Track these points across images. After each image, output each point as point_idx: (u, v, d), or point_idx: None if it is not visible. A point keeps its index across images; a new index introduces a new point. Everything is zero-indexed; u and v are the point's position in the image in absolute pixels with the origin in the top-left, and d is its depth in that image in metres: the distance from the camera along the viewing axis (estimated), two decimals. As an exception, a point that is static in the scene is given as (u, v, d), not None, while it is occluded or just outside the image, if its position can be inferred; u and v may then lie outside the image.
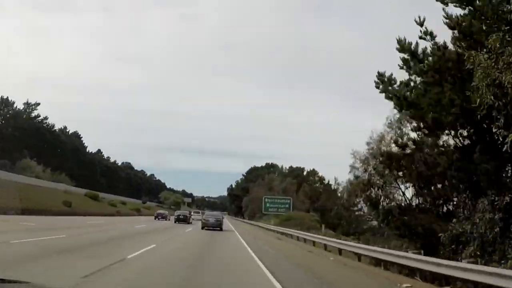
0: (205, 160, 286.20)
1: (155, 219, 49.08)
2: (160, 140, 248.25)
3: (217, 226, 30.23)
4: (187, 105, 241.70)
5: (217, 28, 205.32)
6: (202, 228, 30.14)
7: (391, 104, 21.01)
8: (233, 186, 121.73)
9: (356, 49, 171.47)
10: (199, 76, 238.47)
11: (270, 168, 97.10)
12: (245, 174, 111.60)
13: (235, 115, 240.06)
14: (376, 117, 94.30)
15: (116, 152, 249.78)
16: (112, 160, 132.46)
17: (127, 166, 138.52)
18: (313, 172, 78.06)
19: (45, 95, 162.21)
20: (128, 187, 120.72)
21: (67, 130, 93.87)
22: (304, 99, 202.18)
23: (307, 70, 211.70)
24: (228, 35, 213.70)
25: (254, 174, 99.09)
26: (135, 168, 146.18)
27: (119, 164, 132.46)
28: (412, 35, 18.36)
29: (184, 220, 41.19)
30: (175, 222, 41.20)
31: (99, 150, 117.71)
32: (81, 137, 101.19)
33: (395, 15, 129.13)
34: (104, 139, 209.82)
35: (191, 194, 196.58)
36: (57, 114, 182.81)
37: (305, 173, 79.62)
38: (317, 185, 72.24)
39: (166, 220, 48.17)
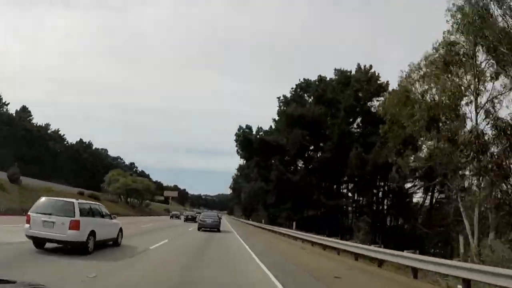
0: (204, 159, 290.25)
1: (170, 218, 59.41)
2: (160, 139, 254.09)
3: (215, 227, 30.53)
4: (187, 104, 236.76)
5: (216, 27, 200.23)
6: (199, 229, 30.19)
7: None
8: (250, 133, 62.04)
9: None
10: (199, 74, 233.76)
11: (320, 81, 58.69)
12: (288, 98, 60.09)
13: (237, 114, 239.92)
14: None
15: (117, 151, 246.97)
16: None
17: (79, 143, 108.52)
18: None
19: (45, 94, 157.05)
20: (69, 165, 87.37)
21: None
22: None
23: (308, 69, 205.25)
24: (228, 32, 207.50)
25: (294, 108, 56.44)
26: (98, 148, 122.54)
27: (72, 141, 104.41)
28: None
29: (192, 219, 49.63)
30: (184, 221, 49.79)
31: (23, 108, 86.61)
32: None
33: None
34: (104, 139, 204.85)
35: (184, 190, 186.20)
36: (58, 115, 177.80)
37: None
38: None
39: (178, 218, 58.35)
